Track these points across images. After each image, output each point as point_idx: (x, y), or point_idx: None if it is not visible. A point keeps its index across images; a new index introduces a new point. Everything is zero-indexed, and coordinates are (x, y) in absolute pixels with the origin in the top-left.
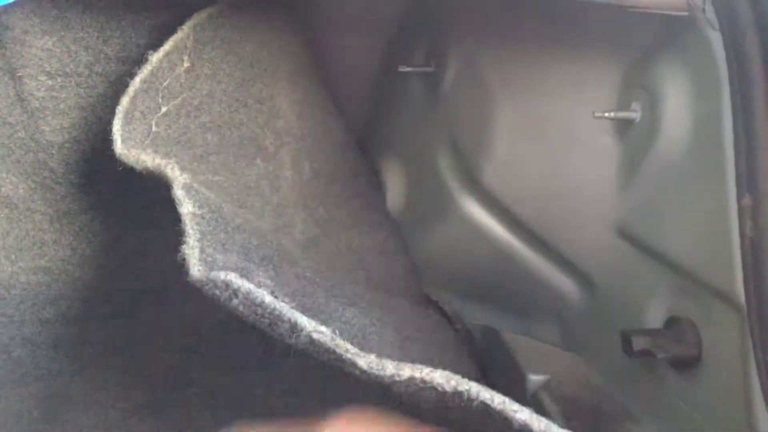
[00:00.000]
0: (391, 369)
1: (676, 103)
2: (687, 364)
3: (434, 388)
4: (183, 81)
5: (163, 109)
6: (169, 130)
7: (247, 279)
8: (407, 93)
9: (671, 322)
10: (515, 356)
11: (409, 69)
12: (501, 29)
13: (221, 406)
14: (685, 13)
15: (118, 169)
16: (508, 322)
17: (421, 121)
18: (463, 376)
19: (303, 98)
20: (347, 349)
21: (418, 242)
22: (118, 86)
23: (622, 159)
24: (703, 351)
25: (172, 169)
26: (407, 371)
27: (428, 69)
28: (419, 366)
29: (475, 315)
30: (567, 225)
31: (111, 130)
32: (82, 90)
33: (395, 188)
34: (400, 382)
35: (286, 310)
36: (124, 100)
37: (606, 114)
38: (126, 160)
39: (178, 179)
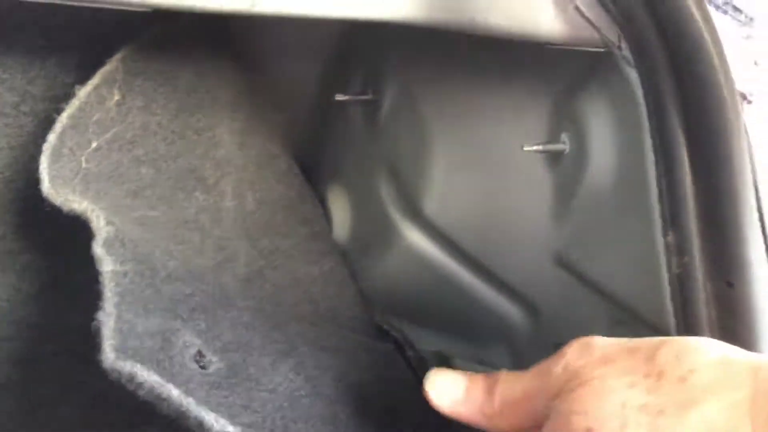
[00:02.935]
0: None
1: (601, 137)
2: None
3: None
4: (114, 115)
5: (94, 144)
6: (100, 166)
7: (171, 342)
8: (347, 121)
9: None
10: None
11: (346, 97)
12: (434, 59)
13: None
14: (603, 49)
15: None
16: (459, 348)
17: (362, 150)
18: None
19: (244, 127)
20: None
21: (365, 271)
22: (48, 124)
23: (555, 189)
24: None
25: (97, 217)
26: None
27: (366, 97)
28: None
29: (428, 341)
30: (508, 253)
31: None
32: (11, 130)
33: (339, 217)
34: None
35: (193, 407)
36: (51, 137)
37: (535, 147)
38: (53, 201)
39: (101, 231)
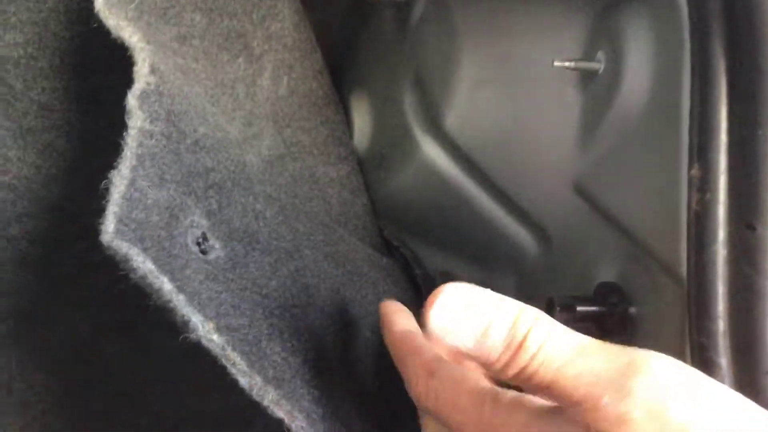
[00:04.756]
0: (269, 400)
1: (638, 57)
2: (619, 333)
3: None
4: None
5: None
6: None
7: (178, 219)
8: (379, 24)
9: (602, 288)
10: None
11: None
12: None
13: None
14: None
15: (80, 85)
16: (467, 271)
17: (391, 56)
18: None
19: (301, 9)
20: (234, 363)
21: (380, 183)
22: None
23: (583, 112)
24: (644, 322)
25: (143, 60)
26: (282, 413)
27: None
28: (297, 413)
29: (435, 261)
30: (525, 176)
31: (68, 47)
32: (32, 4)
33: (360, 125)
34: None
35: (182, 304)
36: None
37: (567, 63)
38: (105, 20)
39: (142, 80)
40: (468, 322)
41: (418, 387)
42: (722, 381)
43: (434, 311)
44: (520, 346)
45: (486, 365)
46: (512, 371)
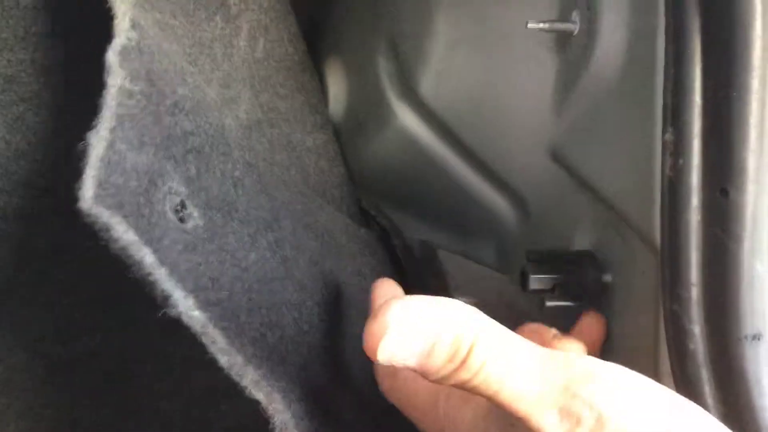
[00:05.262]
0: (248, 380)
1: (612, 17)
2: (594, 301)
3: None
4: None
5: None
6: None
7: (156, 185)
8: None
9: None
10: (446, 276)
11: None
12: None
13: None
14: None
15: (46, 56)
16: (447, 239)
17: (364, 20)
18: None
19: None
20: (215, 340)
21: (356, 151)
22: None
23: (559, 76)
24: (619, 290)
25: (123, 13)
26: (261, 395)
27: None
28: (277, 395)
29: (415, 229)
30: (501, 142)
31: (30, 16)
32: None
33: (336, 92)
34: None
35: (163, 278)
36: None
37: (541, 24)
38: None
39: (122, 35)
40: (412, 343)
41: (383, 385)
42: (696, 348)
43: (377, 335)
44: (463, 363)
45: (427, 375)
46: (454, 382)
